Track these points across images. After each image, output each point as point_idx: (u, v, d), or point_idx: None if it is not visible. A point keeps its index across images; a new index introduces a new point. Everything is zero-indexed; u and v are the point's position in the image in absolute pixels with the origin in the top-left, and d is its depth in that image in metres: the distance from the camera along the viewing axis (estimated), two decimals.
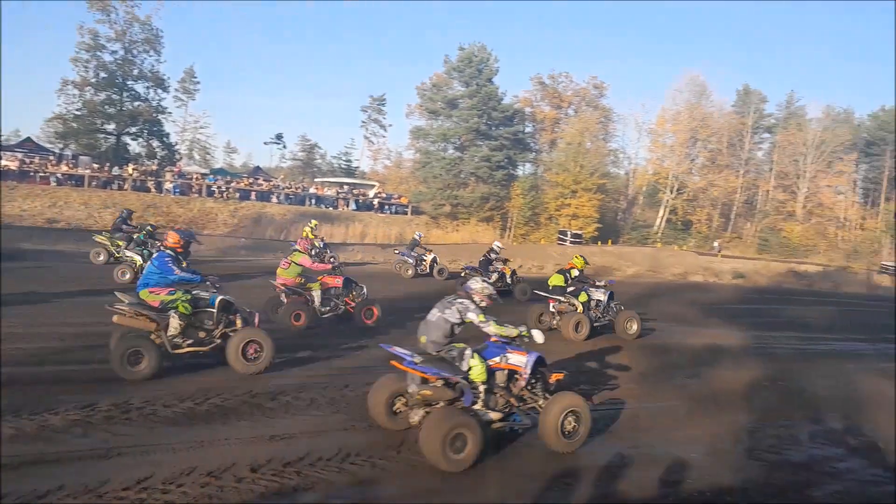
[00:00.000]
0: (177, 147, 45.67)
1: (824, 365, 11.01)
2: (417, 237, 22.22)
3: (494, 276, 16.93)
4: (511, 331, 6.02)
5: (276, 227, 32.06)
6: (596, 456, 5.77)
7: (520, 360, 5.99)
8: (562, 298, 12.20)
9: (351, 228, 33.47)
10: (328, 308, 10.96)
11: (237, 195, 37.20)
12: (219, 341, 7.68)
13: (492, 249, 18.40)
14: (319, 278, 11.27)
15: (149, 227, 16.09)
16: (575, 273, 12.68)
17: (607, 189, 50.72)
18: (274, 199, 38.40)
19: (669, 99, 57.36)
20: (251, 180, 42.23)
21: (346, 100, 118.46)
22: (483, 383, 5.79)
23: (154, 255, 7.87)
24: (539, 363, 6.10)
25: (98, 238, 16.78)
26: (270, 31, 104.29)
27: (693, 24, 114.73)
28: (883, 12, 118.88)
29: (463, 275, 17.24)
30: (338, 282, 11.47)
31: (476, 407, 5.72)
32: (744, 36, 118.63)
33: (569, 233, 40.81)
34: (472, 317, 5.99)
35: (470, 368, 5.74)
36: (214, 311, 7.78)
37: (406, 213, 42.91)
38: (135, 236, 15.54)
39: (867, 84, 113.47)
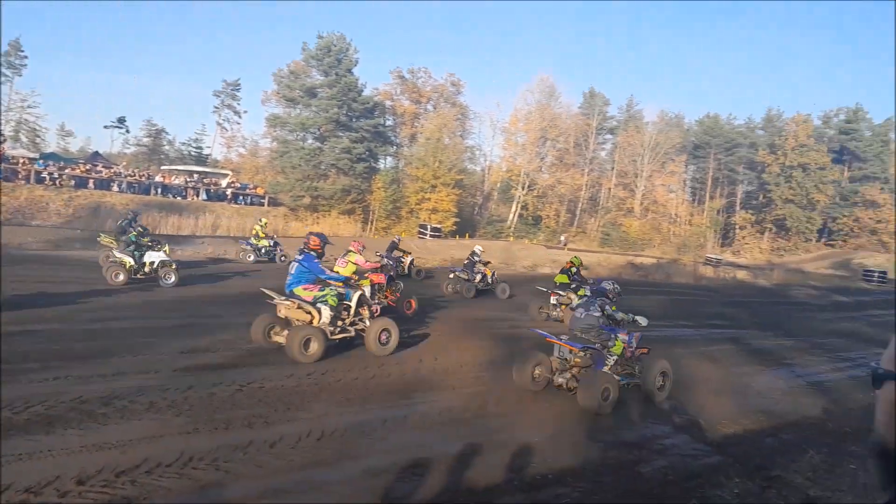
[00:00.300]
0: None
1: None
2: (396, 240, 23.03)
3: (478, 277, 18.45)
4: (629, 318, 8.54)
5: (117, 218, 29.60)
6: (445, 445, 5.90)
7: (625, 339, 8.39)
8: (562, 293, 14.34)
9: (201, 220, 31.71)
10: (374, 302, 11.21)
11: (72, 182, 33.97)
12: (352, 330, 9.44)
13: (474, 252, 19.36)
14: (367, 275, 12.12)
15: (139, 228, 15.74)
16: (574, 270, 15.06)
17: (465, 184, 52.03)
18: (115, 188, 35.54)
19: (522, 99, 59.90)
20: (88, 167, 38.71)
21: (198, 83, 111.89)
22: (616, 356, 8.22)
23: (301, 258, 9.26)
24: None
25: (102, 240, 16.19)
26: (114, 2, 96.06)
27: (544, 27, 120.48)
28: (712, 28, 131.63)
29: (452, 276, 18.41)
30: (382, 278, 12.98)
31: (606, 370, 7.96)
32: (590, 40, 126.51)
33: (429, 226, 41.42)
34: (609, 309, 8.36)
35: (615, 345, 8.20)
36: (352, 304, 9.50)
37: (263, 205, 41.40)
38: (124, 237, 15.22)
39: (696, 91, 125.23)
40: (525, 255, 38.04)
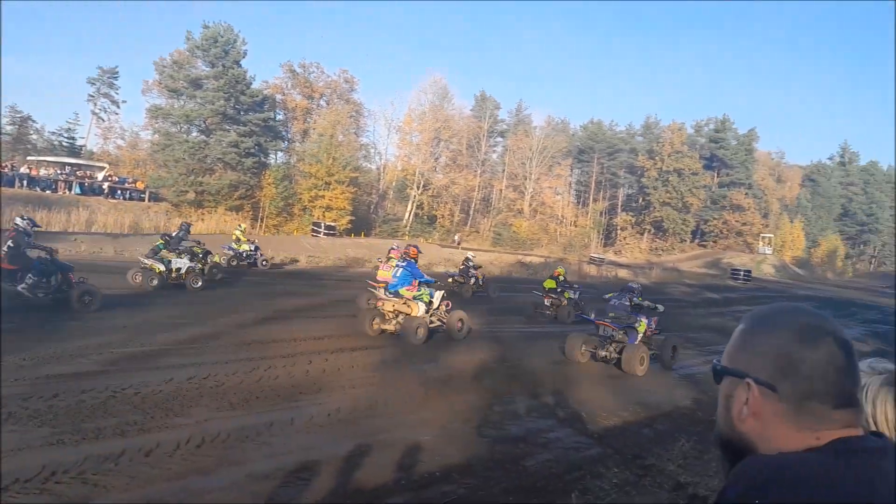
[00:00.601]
0: None
1: (542, 346, 12.40)
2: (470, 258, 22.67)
3: (472, 280, 21.01)
4: (652, 305, 11.22)
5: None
6: (333, 447, 5.81)
7: (646, 321, 11.06)
8: (553, 295, 17.32)
9: (74, 215, 29.47)
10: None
11: None
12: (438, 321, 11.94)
13: (468, 258, 21.96)
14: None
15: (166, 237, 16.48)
16: (562, 278, 18.06)
17: (360, 182, 51.53)
18: None
19: (416, 99, 60.12)
20: None
21: (69, 69, 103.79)
22: (641, 334, 10.92)
23: (405, 264, 11.88)
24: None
25: (164, 255, 15.89)
26: None
27: (439, 28, 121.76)
28: (599, 36, 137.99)
29: (451, 281, 20.50)
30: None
31: (637, 343, 10.67)
32: (481, 42, 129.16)
33: (322, 224, 40.63)
34: (636, 299, 11.17)
35: (640, 326, 10.88)
36: (435, 301, 11.89)
37: (143, 200, 39.11)
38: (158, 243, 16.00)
39: (581, 98, 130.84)
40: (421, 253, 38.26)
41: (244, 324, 11.45)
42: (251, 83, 44.37)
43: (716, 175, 76.34)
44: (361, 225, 48.36)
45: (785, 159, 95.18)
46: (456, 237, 53.39)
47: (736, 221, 72.10)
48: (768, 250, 68.66)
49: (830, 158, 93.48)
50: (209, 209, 40.08)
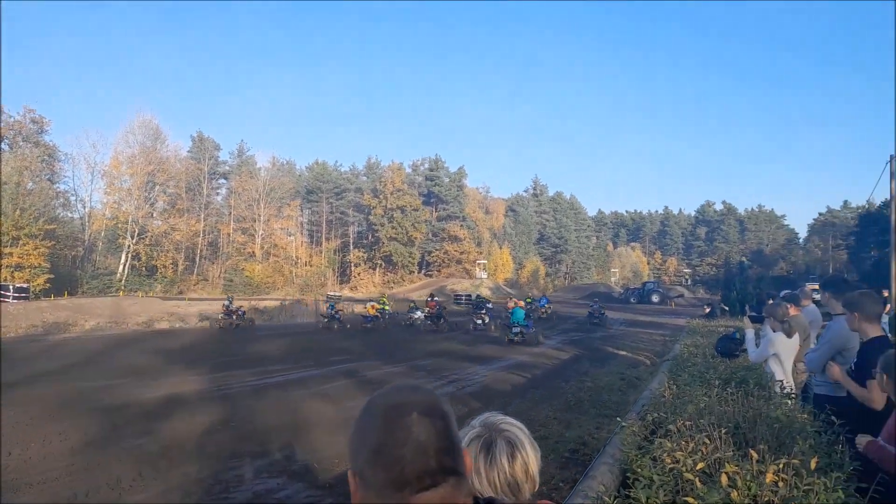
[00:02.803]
0: None
1: (274, 397, 11.78)
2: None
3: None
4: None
5: None
6: None
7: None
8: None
9: None
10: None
11: None
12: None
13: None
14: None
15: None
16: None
17: (58, 235, 44.96)
18: None
19: (123, 140, 54.60)
20: None
21: None
22: None
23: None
24: None
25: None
26: None
27: (144, 62, 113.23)
28: (312, 76, 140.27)
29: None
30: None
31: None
32: (195, 82, 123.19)
33: (11, 287, 34.25)
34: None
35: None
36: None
37: None
38: None
39: (304, 139, 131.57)
40: (138, 309, 34.40)
41: None
42: None
43: (434, 210, 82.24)
44: (64, 283, 42.07)
45: (490, 193, 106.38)
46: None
47: (455, 251, 78.33)
48: (484, 274, 75.71)
49: (526, 191, 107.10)
50: None
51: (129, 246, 50.49)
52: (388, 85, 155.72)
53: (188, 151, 65.30)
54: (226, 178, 70.75)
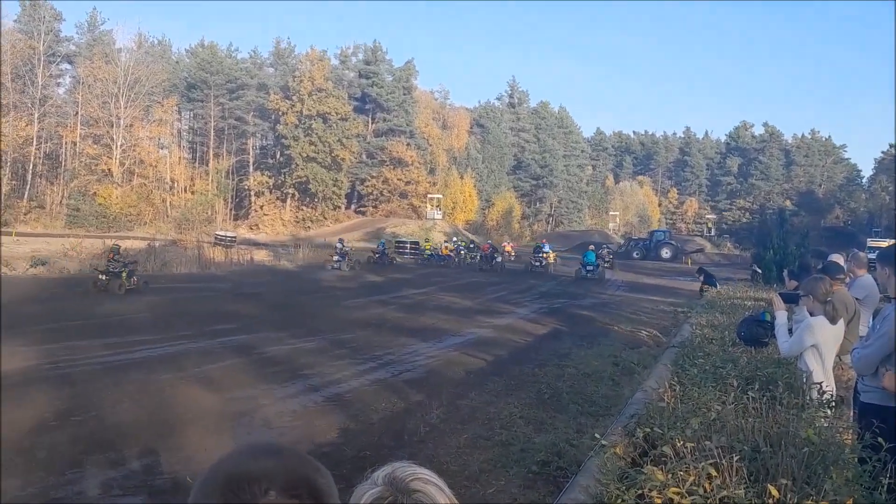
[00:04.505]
0: None
1: (134, 380, 11.71)
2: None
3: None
4: None
5: None
6: None
7: None
8: None
9: None
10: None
11: None
12: None
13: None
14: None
15: None
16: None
17: None
18: None
19: None
20: None
21: None
22: None
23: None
24: None
25: None
26: None
27: None
28: None
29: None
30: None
31: None
32: None
33: None
34: None
35: None
36: None
37: None
38: None
39: (183, 10, 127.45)
40: None
41: None
42: None
43: (370, 121, 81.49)
44: None
45: (450, 100, 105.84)
46: None
47: (398, 179, 78.09)
48: (438, 214, 75.68)
49: (499, 99, 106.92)
50: None
51: None
52: None
53: (14, 21, 62.75)
54: (70, 63, 68.38)
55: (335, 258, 39.24)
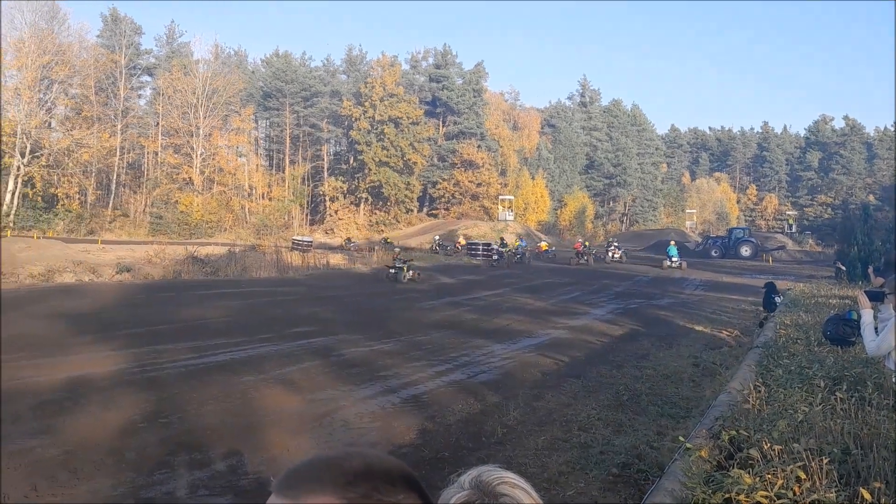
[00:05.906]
0: None
1: (217, 383, 11.96)
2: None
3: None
4: None
5: None
6: None
7: None
8: None
9: None
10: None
11: None
12: None
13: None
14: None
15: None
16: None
17: None
18: None
19: (6, 20, 54.02)
20: None
21: None
22: None
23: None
24: None
25: None
26: None
27: None
28: None
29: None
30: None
31: None
32: None
33: None
34: None
35: None
36: None
37: None
38: None
39: (258, 21, 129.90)
40: (32, 256, 34.65)
41: None
42: None
43: (441, 124, 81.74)
44: None
45: (520, 101, 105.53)
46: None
47: (469, 182, 78.12)
48: (510, 216, 75.48)
49: (570, 98, 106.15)
50: None
51: (18, 168, 50.58)
52: None
53: (98, 36, 64.75)
54: (151, 75, 70.26)
55: (494, 257, 47.24)
